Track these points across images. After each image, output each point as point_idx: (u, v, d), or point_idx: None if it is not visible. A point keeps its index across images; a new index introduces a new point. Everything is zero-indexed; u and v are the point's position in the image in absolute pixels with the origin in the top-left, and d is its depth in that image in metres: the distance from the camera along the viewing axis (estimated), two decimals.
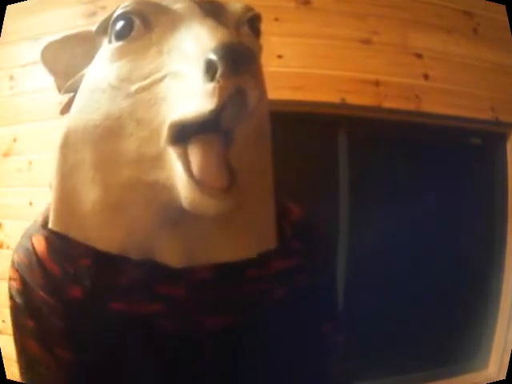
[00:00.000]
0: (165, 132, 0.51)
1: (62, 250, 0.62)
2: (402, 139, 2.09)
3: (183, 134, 0.50)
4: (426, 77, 2.02)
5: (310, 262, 0.69)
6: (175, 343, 0.63)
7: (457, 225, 2.14)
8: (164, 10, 0.56)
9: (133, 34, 0.56)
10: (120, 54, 0.56)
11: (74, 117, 0.60)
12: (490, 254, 2.22)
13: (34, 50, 2.17)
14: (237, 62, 0.46)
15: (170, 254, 0.58)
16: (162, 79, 0.52)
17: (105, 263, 0.60)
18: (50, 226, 0.61)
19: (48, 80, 0.69)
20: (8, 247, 2.10)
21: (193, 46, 0.50)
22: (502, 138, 2.22)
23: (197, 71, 0.48)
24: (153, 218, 0.56)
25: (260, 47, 0.63)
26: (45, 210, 0.66)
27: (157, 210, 0.55)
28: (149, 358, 0.63)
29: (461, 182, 2.15)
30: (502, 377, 2.04)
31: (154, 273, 0.60)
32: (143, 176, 0.54)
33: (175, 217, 0.55)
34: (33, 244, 0.64)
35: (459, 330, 2.17)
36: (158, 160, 0.52)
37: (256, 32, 0.61)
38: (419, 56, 2.03)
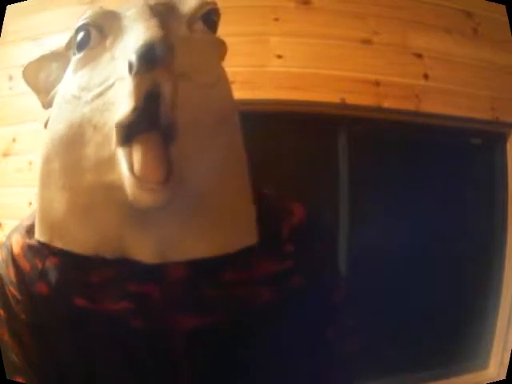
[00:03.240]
0: (114, 135, 0.55)
1: (35, 248, 0.65)
2: (402, 139, 2.09)
3: (128, 135, 0.53)
4: (425, 77, 2.02)
5: (304, 265, 0.68)
6: (143, 341, 0.64)
7: (457, 224, 2.14)
8: (117, 17, 0.59)
9: (90, 43, 0.59)
10: (80, 64, 0.60)
11: (48, 129, 0.63)
12: (489, 254, 2.22)
13: (34, 50, 2.17)
14: (149, 59, 0.49)
15: (143, 251, 0.60)
16: (112, 84, 0.56)
17: (73, 262, 0.63)
18: (36, 236, 0.64)
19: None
20: None
21: (130, 48, 0.53)
22: (502, 138, 2.22)
23: (126, 75, 0.52)
24: (118, 217, 0.59)
25: (217, 40, 0.66)
26: (30, 214, 0.70)
27: (119, 210, 0.58)
28: (114, 354, 0.64)
29: (461, 182, 2.15)
30: (502, 377, 2.04)
31: (126, 270, 0.61)
32: (102, 178, 0.57)
33: (136, 215, 0.57)
34: (11, 243, 0.68)
35: (459, 330, 2.17)
36: (111, 162, 0.56)
37: (211, 27, 0.63)
38: (419, 56, 2.03)
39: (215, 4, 0.63)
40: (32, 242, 0.66)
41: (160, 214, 0.57)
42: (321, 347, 0.72)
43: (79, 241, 0.61)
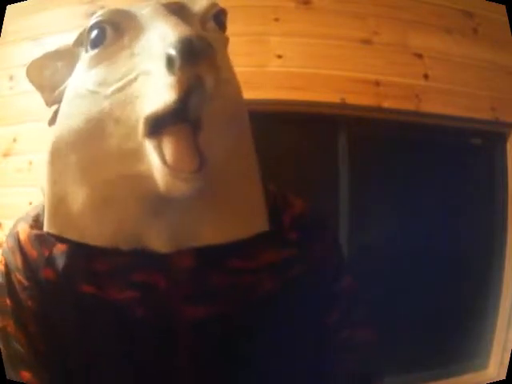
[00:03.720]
0: (141, 127, 0.56)
1: (42, 238, 0.67)
2: (402, 139, 2.09)
3: (156, 126, 0.55)
4: (426, 77, 2.02)
5: (307, 253, 0.70)
6: (147, 331, 0.65)
7: (457, 224, 2.14)
8: (133, 16, 0.60)
9: (106, 41, 0.61)
10: (96, 61, 0.61)
11: (60, 125, 0.64)
12: (490, 254, 2.22)
13: (34, 50, 2.17)
14: (193, 54, 0.51)
15: (159, 241, 0.62)
16: (134, 79, 0.57)
17: (81, 249, 0.64)
18: (45, 229, 0.65)
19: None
20: None
21: (157, 44, 0.54)
22: (502, 138, 2.22)
23: (161, 67, 0.53)
24: (138, 209, 0.60)
25: (226, 39, 0.68)
26: (36, 206, 0.71)
27: (141, 201, 0.59)
28: (118, 343, 0.65)
29: (461, 182, 2.15)
30: (502, 377, 2.04)
31: (135, 260, 0.63)
32: (125, 170, 0.58)
33: (158, 205, 0.59)
34: (18, 231, 0.69)
35: (459, 330, 2.17)
36: (137, 154, 0.57)
37: (221, 26, 0.66)
38: (419, 56, 2.03)
39: (221, 6, 0.65)
40: (39, 231, 0.67)
41: (179, 204, 0.59)
42: (321, 334, 0.73)
43: (96, 233, 0.62)
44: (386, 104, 1.97)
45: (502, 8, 1.75)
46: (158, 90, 0.53)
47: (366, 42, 1.98)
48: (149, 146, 0.55)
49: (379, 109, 1.98)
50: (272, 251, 0.68)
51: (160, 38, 0.54)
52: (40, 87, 0.73)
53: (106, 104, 0.58)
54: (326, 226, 0.77)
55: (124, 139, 0.57)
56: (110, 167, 0.59)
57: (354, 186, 2.03)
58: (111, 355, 0.65)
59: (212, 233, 0.62)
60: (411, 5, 2.04)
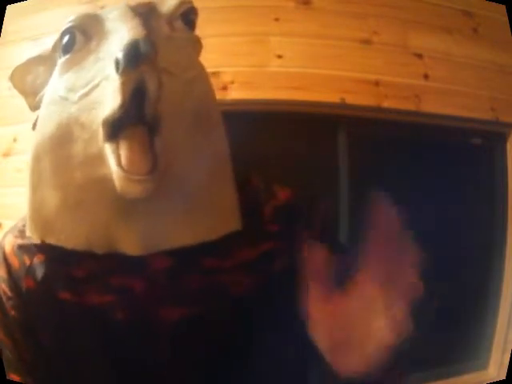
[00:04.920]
0: (100, 132, 0.57)
1: (25, 247, 0.68)
2: (402, 139, 2.09)
3: (113, 130, 0.56)
4: (426, 77, 2.02)
5: (292, 244, 0.66)
6: (127, 335, 0.65)
7: (456, 224, 2.14)
8: (100, 20, 0.62)
9: (75, 46, 0.62)
10: (66, 67, 0.62)
11: (37, 130, 0.65)
12: (489, 254, 2.22)
13: (34, 50, 2.17)
14: (135, 57, 0.52)
15: (130, 244, 0.62)
16: (98, 84, 0.58)
17: (58, 257, 0.65)
18: (28, 233, 0.67)
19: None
20: None
21: (115, 48, 0.56)
22: (502, 138, 2.22)
23: (112, 71, 0.54)
24: (107, 212, 0.61)
25: (196, 38, 0.68)
26: (23, 217, 0.71)
27: (108, 204, 0.60)
28: (99, 348, 0.66)
29: (461, 182, 2.15)
30: (502, 377, 2.04)
31: (110, 264, 0.63)
32: (91, 174, 0.60)
33: (126, 207, 0.60)
34: (4, 243, 0.71)
35: (459, 330, 2.17)
36: (99, 158, 0.58)
37: (190, 25, 0.66)
38: (419, 56, 2.03)
39: (192, 3, 0.66)
40: (23, 241, 0.69)
41: (146, 206, 0.59)
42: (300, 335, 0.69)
43: (71, 237, 0.63)
44: (386, 104, 1.97)
45: (502, 8, 1.75)
46: (110, 94, 0.55)
47: (366, 42, 1.98)
48: (108, 150, 0.57)
49: (379, 109, 1.98)
50: (248, 248, 0.66)
51: (118, 42, 0.56)
52: (23, 92, 0.74)
53: (73, 109, 0.60)
54: (314, 212, 0.72)
55: (88, 144, 0.59)
56: (79, 171, 0.60)
57: (354, 186, 2.03)
58: (93, 360, 0.66)
59: (182, 234, 0.62)
60: (411, 5, 2.05)
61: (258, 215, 0.69)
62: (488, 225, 2.22)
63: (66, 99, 0.61)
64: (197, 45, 0.69)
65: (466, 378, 2.15)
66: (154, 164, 0.56)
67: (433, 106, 2.03)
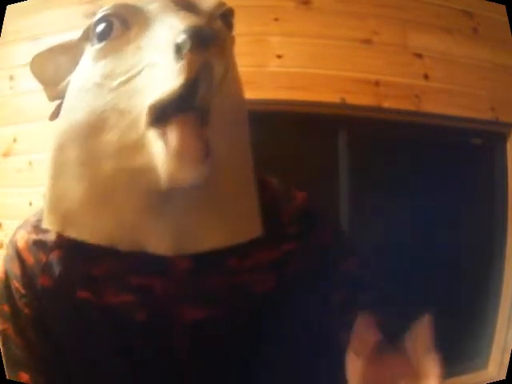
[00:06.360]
0: (144, 117, 0.55)
1: (40, 243, 0.66)
2: (402, 139, 2.09)
3: (161, 115, 0.54)
4: (426, 77, 2.02)
5: (309, 244, 0.69)
6: (145, 335, 0.64)
7: (456, 224, 2.14)
8: (140, 10, 0.60)
9: (113, 34, 0.60)
10: (102, 54, 0.61)
11: (62, 120, 0.64)
12: (489, 254, 2.22)
13: (34, 50, 2.17)
14: (202, 40, 0.50)
15: (159, 243, 0.60)
16: (140, 72, 0.56)
17: (77, 254, 0.64)
18: (44, 225, 0.64)
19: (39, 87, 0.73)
20: None
21: (165, 36, 0.54)
22: (502, 138, 2.22)
23: (169, 56, 0.52)
24: (137, 206, 0.59)
25: (232, 39, 0.68)
26: (36, 213, 0.70)
27: (140, 197, 0.58)
28: (116, 348, 0.65)
29: (461, 182, 2.15)
30: (502, 377, 2.04)
31: (132, 263, 0.62)
32: (125, 164, 0.57)
33: (158, 203, 0.58)
34: (16, 238, 0.69)
35: (459, 330, 2.17)
36: (138, 146, 0.56)
37: (228, 26, 0.66)
38: (419, 56, 2.03)
39: (229, 5, 0.65)
40: (38, 237, 0.67)
41: (179, 203, 0.58)
42: (328, 323, 0.71)
43: (94, 231, 0.61)
44: (386, 104, 1.97)
45: (502, 8, 1.75)
46: (164, 78, 0.52)
47: (366, 42, 1.98)
48: (152, 136, 0.54)
49: (379, 109, 1.98)
50: (269, 250, 0.67)
51: (168, 30, 0.54)
52: (43, 81, 0.72)
53: (110, 96, 0.58)
54: (327, 214, 0.76)
55: (126, 131, 0.56)
56: (110, 161, 0.58)
57: (354, 186, 2.03)
58: (110, 359, 0.65)
59: (212, 237, 0.61)
60: (411, 5, 2.04)
61: (279, 218, 0.69)
62: (488, 225, 2.22)
63: (101, 86, 0.59)
64: (233, 46, 0.69)
65: (466, 377, 2.15)
66: (207, 152, 0.54)
67: (433, 105, 2.03)
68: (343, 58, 1.95)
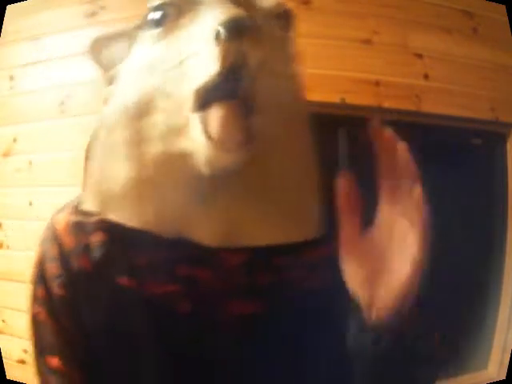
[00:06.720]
0: (190, 101, 0.56)
1: (80, 223, 0.66)
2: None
3: (204, 101, 0.55)
4: (426, 77, 2.02)
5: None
6: (189, 327, 0.63)
7: (456, 225, 2.14)
8: (194, 1, 0.61)
9: (167, 21, 0.62)
10: (156, 39, 0.62)
11: (112, 103, 0.65)
12: (489, 255, 2.22)
13: (34, 50, 2.17)
14: (237, 29, 0.52)
15: (206, 233, 0.59)
16: (188, 57, 0.57)
17: (121, 239, 0.63)
18: (86, 207, 0.64)
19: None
20: (8, 247, 2.10)
21: (210, 25, 0.55)
22: (502, 138, 2.22)
23: (209, 44, 0.54)
24: (181, 191, 0.59)
25: (288, 39, 0.70)
26: (73, 199, 0.70)
27: (184, 181, 0.58)
28: (157, 337, 0.63)
29: (460, 182, 2.15)
30: (502, 377, 2.04)
31: (178, 252, 0.61)
32: (170, 147, 0.58)
33: (203, 188, 0.58)
34: (54, 221, 0.68)
35: (459, 330, 2.17)
36: (182, 129, 0.57)
37: (285, 27, 0.68)
38: (419, 56, 2.03)
39: (287, 7, 0.67)
40: (78, 218, 0.66)
41: (230, 194, 0.58)
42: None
43: (137, 215, 0.60)
44: (386, 104, 1.97)
45: (502, 8, 1.75)
46: (204, 65, 0.54)
47: (366, 41, 1.98)
48: (195, 120, 0.55)
49: (379, 109, 1.98)
50: (320, 249, 0.66)
51: (213, 20, 0.55)
52: (99, 63, 0.73)
53: (160, 80, 0.59)
54: None
55: (172, 114, 0.57)
56: (156, 143, 0.59)
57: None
58: (147, 349, 0.63)
59: (268, 233, 0.61)
60: (411, 5, 2.05)
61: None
62: (488, 225, 2.22)
63: (153, 70, 0.60)
64: (289, 45, 0.70)
65: (466, 377, 2.15)
66: (248, 137, 0.54)
67: (433, 106, 2.03)
68: (343, 58, 1.95)
